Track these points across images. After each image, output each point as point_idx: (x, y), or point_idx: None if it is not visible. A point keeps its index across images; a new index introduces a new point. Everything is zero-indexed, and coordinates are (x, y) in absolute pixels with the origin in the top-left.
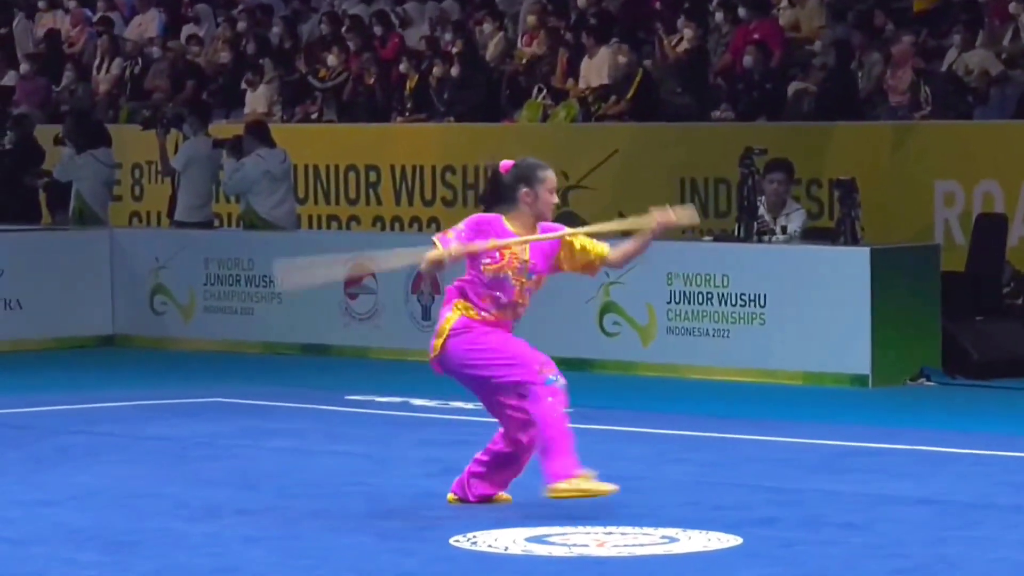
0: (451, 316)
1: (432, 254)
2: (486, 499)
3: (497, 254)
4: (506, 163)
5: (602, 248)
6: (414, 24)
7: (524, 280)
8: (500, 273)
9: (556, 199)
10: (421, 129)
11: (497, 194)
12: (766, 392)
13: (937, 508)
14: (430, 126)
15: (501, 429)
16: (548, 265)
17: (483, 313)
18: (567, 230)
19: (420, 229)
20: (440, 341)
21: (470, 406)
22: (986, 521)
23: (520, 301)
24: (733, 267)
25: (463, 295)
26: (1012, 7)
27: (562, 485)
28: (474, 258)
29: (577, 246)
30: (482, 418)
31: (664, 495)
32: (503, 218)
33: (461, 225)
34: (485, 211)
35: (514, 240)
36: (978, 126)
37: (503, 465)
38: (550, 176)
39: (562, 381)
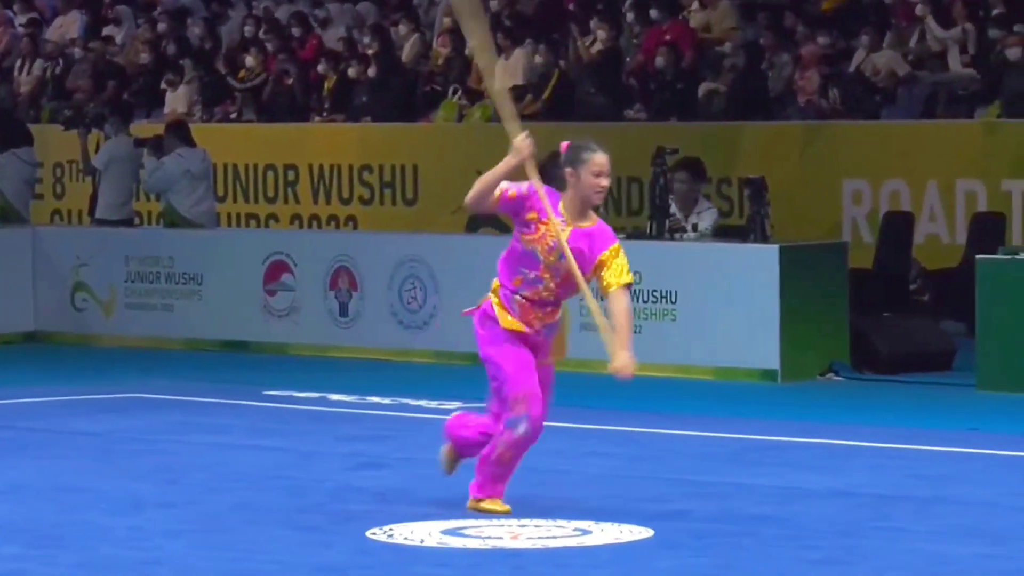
0: (491, 297)
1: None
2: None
3: (536, 226)
4: (564, 144)
5: (607, 282)
6: (332, 26)
7: (552, 259)
8: (530, 246)
9: (605, 181)
10: (339, 129)
11: (556, 175)
12: (678, 387)
13: (848, 500)
14: (348, 126)
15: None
16: (585, 264)
17: (516, 295)
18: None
19: (338, 227)
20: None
21: (387, 401)
22: (896, 513)
23: (546, 278)
24: (645, 264)
25: (500, 275)
26: (918, 9)
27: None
28: (517, 223)
29: (599, 266)
30: (401, 413)
31: (578, 488)
32: (560, 195)
33: (523, 183)
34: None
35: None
36: (885, 126)
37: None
38: (595, 158)
39: (525, 428)
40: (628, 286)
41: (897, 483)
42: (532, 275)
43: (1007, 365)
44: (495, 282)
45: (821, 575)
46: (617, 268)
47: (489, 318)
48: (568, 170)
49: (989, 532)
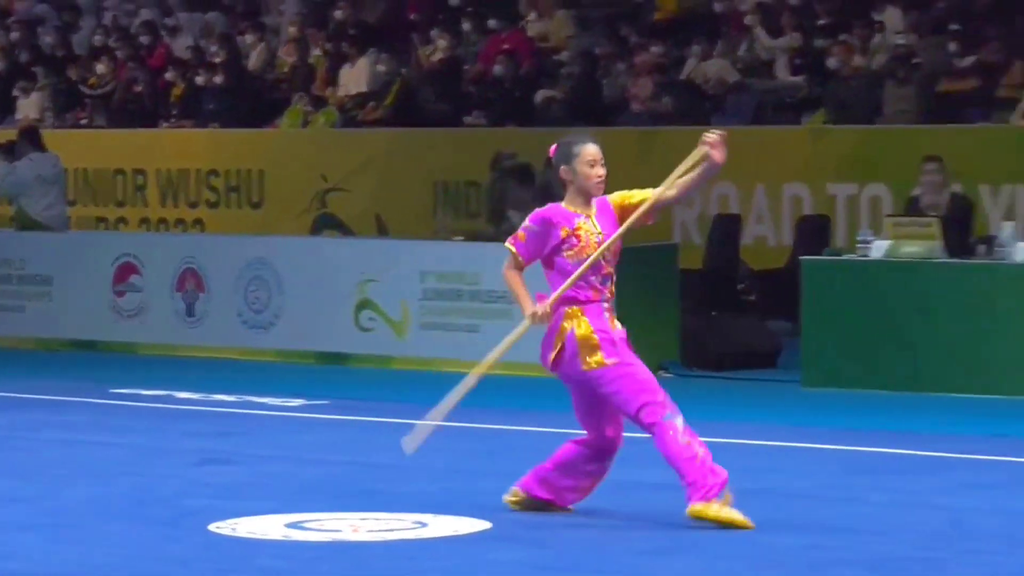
0: (582, 326)
1: (535, 314)
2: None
3: (574, 239)
4: (552, 148)
5: (646, 192)
6: (181, 34)
7: (606, 252)
8: (583, 255)
9: (601, 170)
10: (187, 134)
11: (552, 181)
12: (514, 384)
13: (677, 493)
14: (195, 131)
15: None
16: (617, 228)
17: (603, 305)
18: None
19: (185, 230)
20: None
21: (232, 399)
22: None
23: (609, 271)
24: (483, 266)
25: (573, 302)
26: (748, 19)
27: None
28: (550, 255)
29: (625, 203)
30: (246, 410)
31: (417, 482)
32: (561, 204)
33: (528, 222)
34: (541, 203)
35: (592, 257)
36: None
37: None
38: (586, 149)
39: (678, 418)
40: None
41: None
42: (601, 276)
43: (830, 363)
44: (572, 311)
45: (652, 565)
46: (637, 192)
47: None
48: (563, 168)
49: (813, 523)
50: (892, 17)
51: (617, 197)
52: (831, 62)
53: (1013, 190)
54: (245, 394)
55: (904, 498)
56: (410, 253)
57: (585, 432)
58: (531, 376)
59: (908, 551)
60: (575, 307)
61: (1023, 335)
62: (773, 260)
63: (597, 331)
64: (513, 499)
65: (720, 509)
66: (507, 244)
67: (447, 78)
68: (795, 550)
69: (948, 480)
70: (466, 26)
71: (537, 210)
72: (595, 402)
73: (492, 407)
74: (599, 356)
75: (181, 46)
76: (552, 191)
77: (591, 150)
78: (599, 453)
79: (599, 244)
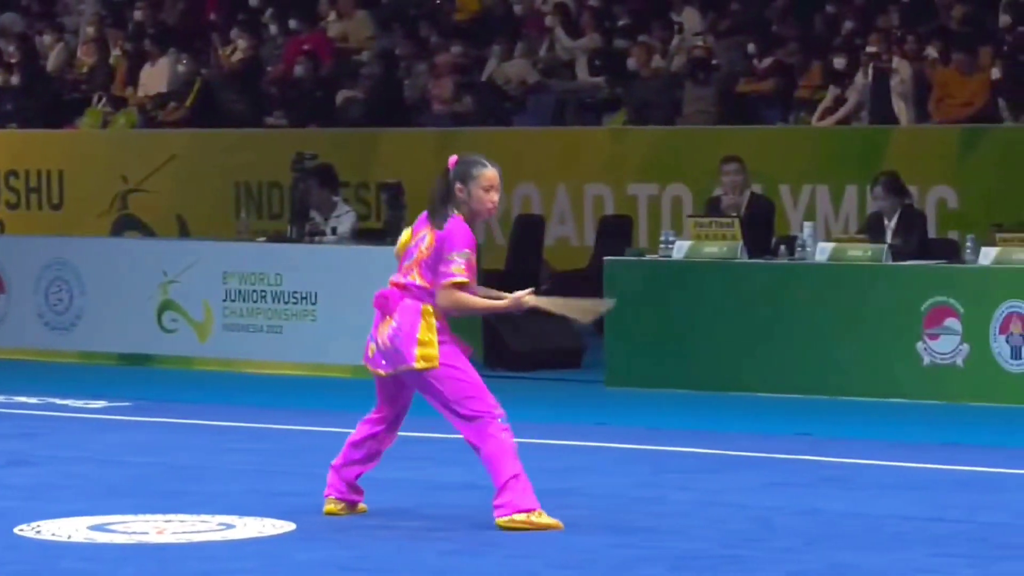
0: (427, 324)
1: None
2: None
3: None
4: (452, 159)
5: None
6: None
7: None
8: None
9: (495, 196)
10: None
11: (446, 191)
12: (318, 385)
13: (480, 493)
14: None
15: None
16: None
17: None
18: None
19: None
20: (430, 351)
21: (34, 400)
22: None
23: None
24: (286, 266)
25: (425, 300)
26: (548, 20)
27: (519, 517)
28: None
29: None
30: (48, 412)
31: (222, 484)
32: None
33: (466, 249)
34: (434, 209)
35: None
36: (516, 132)
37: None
38: (485, 173)
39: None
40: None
41: (528, 476)
42: None
43: (633, 362)
44: (426, 308)
45: (456, 565)
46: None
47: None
48: (459, 186)
49: (618, 523)
50: (690, 18)
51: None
52: (631, 63)
53: (813, 190)
54: (47, 396)
55: (708, 497)
56: (212, 254)
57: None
58: (334, 377)
59: (712, 549)
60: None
61: (824, 335)
62: (576, 260)
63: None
64: (333, 508)
65: (528, 517)
66: (459, 279)
67: (248, 79)
68: (600, 549)
69: (752, 479)
70: (266, 27)
71: (462, 233)
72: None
73: (295, 407)
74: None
75: None
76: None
77: (490, 174)
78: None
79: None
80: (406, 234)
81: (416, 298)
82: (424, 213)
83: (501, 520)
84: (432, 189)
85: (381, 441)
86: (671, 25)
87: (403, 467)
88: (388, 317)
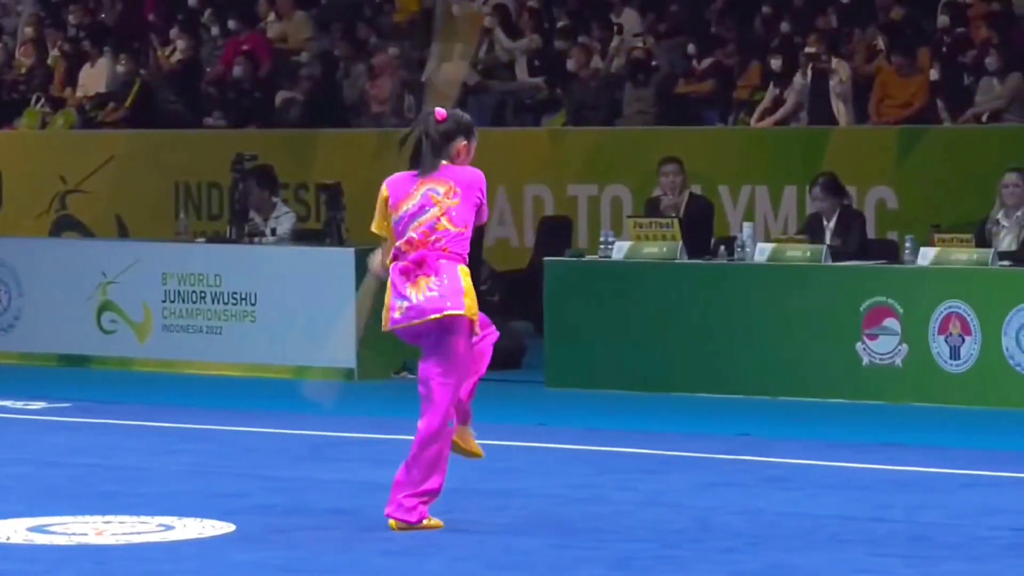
0: (468, 281)
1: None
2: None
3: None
4: (441, 111)
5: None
6: None
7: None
8: None
9: None
10: None
11: (433, 140)
12: (257, 386)
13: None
14: None
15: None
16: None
17: None
18: None
19: None
20: (474, 304)
21: None
22: (466, 505)
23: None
24: (226, 267)
25: (462, 251)
26: (487, 20)
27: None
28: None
29: None
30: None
31: (161, 485)
32: (415, 173)
33: (386, 191)
34: (426, 162)
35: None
36: None
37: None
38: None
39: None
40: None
41: (467, 477)
42: None
43: (574, 363)
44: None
45: (397, 566)
46: None
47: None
48: (462, 141)
49: (558, 523)
50: (629, 20)
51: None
52: (571, 64)
53: (752, 191)
54: None
55: (648, 497)
56: (152, 255)
57: None
58: (274, 378)
59: (652, 550)
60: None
61: (763, 335)
62: (516, 261)
63: None
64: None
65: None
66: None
67: (187, 79)
68: (540, 550)
69: (692, 479)
70: (206, 27)
71: (391, 179)
72: None
73: (235, 409)
74: None
75: None
76: None
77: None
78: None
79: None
80: (383, 203)
81: (454, 252)
82: (402, 174)
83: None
84: (415, 141)
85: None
86: (610, 26)
87: (338, 468)
88: (423, 278)
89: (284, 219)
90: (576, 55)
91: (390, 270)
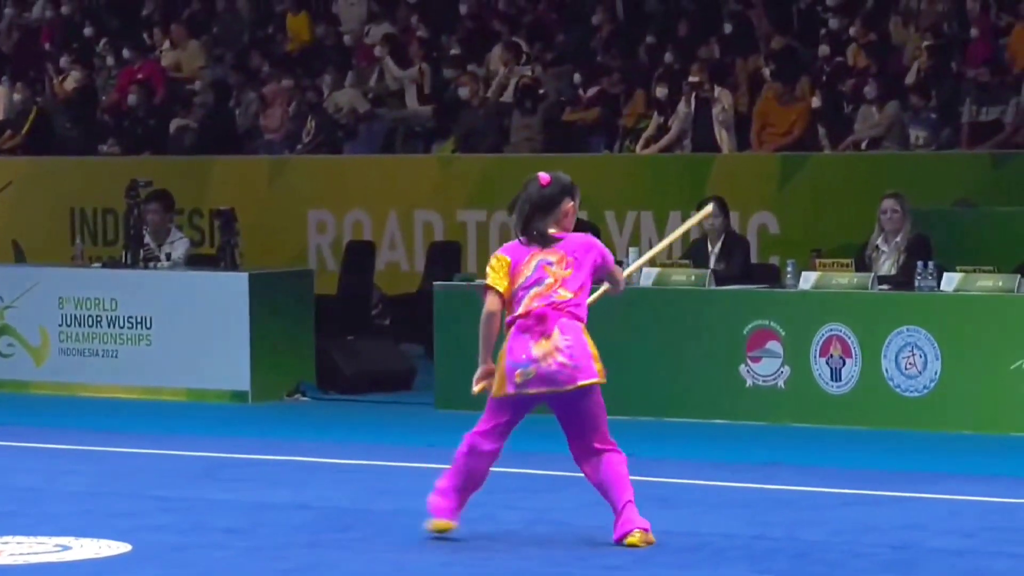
0: (591, 340)
1: None
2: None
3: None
4: (545, 176)
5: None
6: None
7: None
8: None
9: None
10: None
11: (539, 206)
12: (153, 408)
13: (313, 513)
14: None
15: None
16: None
17: None
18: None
19: None
20: (601, 366)
21: None
22: (359, 525)
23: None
24: (121, 292)
25: (580, 316)
26: (377, 50)
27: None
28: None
29: None
30: None
31: (58, 505)
32: (525, 242)
33: (507, 258)
34: (539, 231)
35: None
36: (347, 159)
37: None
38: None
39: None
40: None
41: (359, 497)
42: None
43: (463, 385)
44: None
45: None
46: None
47: None
48: (570, 202)
49: (445, 541)
50: (515, 50)
51: None
52: (460, 92)
53: (637, 216)
54: None
55: (535, 516)
56: (48, 279)
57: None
58: (169, 400)
59: (540, 568)
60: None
61: (649, 357)
62: (406, 285)
63: None
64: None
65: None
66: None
67: (82, 107)
68: (430, 568)
69: (576, 499)
70: (101, 56)
71: (506, 251)
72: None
73: (131, 431)
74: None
75: None
76: None
77: None
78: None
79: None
80: (504, 265)
81: (572, 315)
82: (515, 244)
83: (631, 539)
84: (519, 210)
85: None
86: (498, 56)
87: (232, 488)
88: (545, 339)
89: (178, 244)
90: (465, 83)
91: (508, 331)
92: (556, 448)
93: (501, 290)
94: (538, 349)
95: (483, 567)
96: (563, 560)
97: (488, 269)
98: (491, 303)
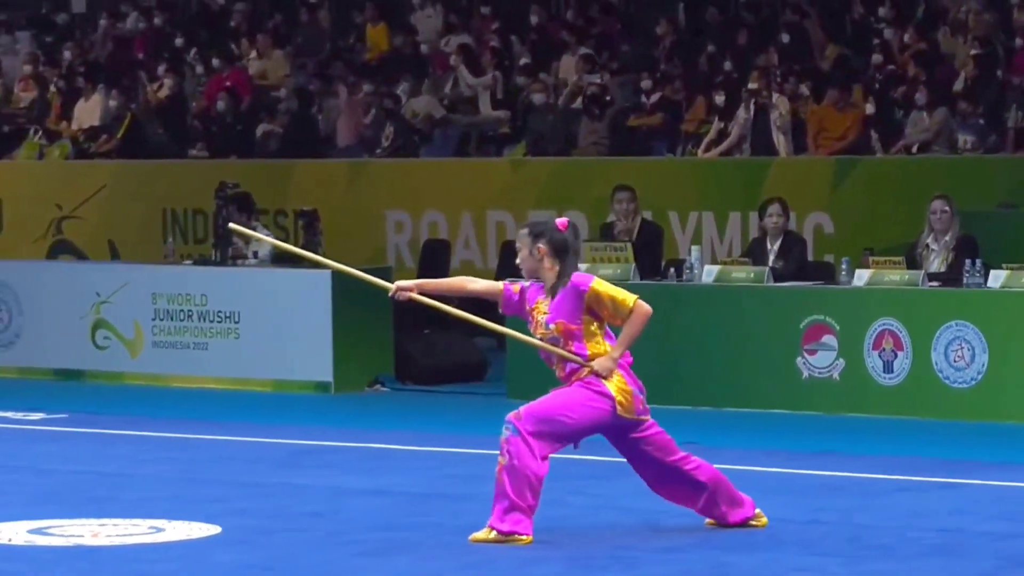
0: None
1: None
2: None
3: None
4: (562, 221)
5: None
6: None
7: (544, 332)
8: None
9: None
10: None
11: (574, 251)
12: (240, 398)
13: (391, 498)
14: None
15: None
16: (569, 315)
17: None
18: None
19: None
20: None
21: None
22: (433, 510)
23: (548, 359)
24: (211, 288)
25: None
26: (452, 59)
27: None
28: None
29: (605, 298)
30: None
31: (150, 490)
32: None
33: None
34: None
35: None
36: (424, 163)
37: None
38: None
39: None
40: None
41: (434, 483)
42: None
43: (533, 376)
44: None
45: (366, 566)
46: (618, 293)
47: None
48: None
49: None
50: (584, 59)
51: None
52: (534, 99)
53: (699, 217)
54: None
55: (601, 501)
56: (142, 276)
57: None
58: (255, 391)
59: (605, 550)
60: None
61: (710, 351)
62: None
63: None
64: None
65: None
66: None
67: (173, 113)
68: (499, 551)
69: (641, 485)
70: (190, 65)
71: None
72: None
73: (219, 419)
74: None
75: None
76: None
77: None
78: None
79: (542, 323)
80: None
81: None
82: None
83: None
84: (565, 250)
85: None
86: (568, 64)
87: (314, 474)
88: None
89: (264, 243)
90: (536, 90)
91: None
92: None
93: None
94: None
95: (552, 549)
96: (627, 543)
97: (611, 291)
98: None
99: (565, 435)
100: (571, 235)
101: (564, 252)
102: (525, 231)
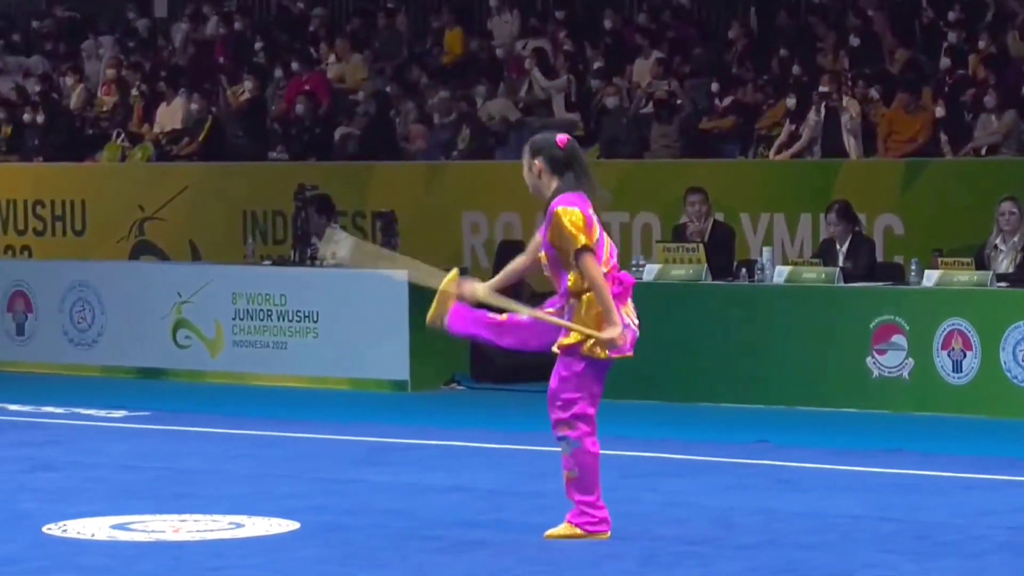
0: None
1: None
2: None
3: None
4: (563, 137)
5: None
6: (7, 75)
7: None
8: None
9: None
10: (14, 168)
11: (576, 166)
12: (319, 397)
13: (467, 495)
14: (22, 166)
15: None
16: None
17: None
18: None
19: (14, 255)
20: None
21: (60, 410)
22: (509, 506)
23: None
24: (290, 288)
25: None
26: (527, 63)
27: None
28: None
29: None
30: (70, 421)
31: (230, 486)
32: (578, 195)
33: (581, 213)
34: (589, 176)
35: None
36: (499, 165)
37: None
38: None
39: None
40: (581, 250)
41: (509, 480)
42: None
43: (609, 376)
44: None
45: (443, 562)
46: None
47: None
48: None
49: None
50: (657, 63)
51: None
52: (607, 102)
53: (770, 218)
54: (72, 406)
55: (673, 498)
56: (222, 276)
57: None
58: (333, 389)
59: (676, 546)
60: None
61: (781, 350)
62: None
63: None
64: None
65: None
66: (586, 242)
67: (253, 116)
68: (572, 547)
69: (713, 482)
70: (270, 69)
71: (584, 203)
72: None
73: (298, 418)
74: None
75: (5, 87)
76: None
77: None
78: None
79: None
80: (584, 220)
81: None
82: (575, 196)
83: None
84: (581, 162)
85: None
86: (642, 68)
87: (391, 471)
88: (624, 305)
89: (343, 243)
90: (610, 93)
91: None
92: (693, 436)
93: (593, 244)
94: (627, 313)
95: (623, 546)
96: (698, 539)
97: (569, 226)
98: (597, 266)
99: (591, 404)
100: (570, 151)
101: (560, 167)
102: (526, 147)
